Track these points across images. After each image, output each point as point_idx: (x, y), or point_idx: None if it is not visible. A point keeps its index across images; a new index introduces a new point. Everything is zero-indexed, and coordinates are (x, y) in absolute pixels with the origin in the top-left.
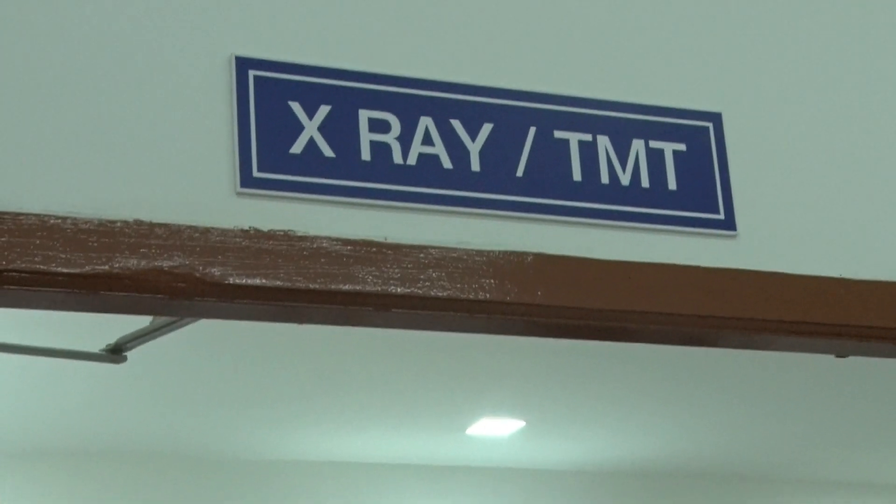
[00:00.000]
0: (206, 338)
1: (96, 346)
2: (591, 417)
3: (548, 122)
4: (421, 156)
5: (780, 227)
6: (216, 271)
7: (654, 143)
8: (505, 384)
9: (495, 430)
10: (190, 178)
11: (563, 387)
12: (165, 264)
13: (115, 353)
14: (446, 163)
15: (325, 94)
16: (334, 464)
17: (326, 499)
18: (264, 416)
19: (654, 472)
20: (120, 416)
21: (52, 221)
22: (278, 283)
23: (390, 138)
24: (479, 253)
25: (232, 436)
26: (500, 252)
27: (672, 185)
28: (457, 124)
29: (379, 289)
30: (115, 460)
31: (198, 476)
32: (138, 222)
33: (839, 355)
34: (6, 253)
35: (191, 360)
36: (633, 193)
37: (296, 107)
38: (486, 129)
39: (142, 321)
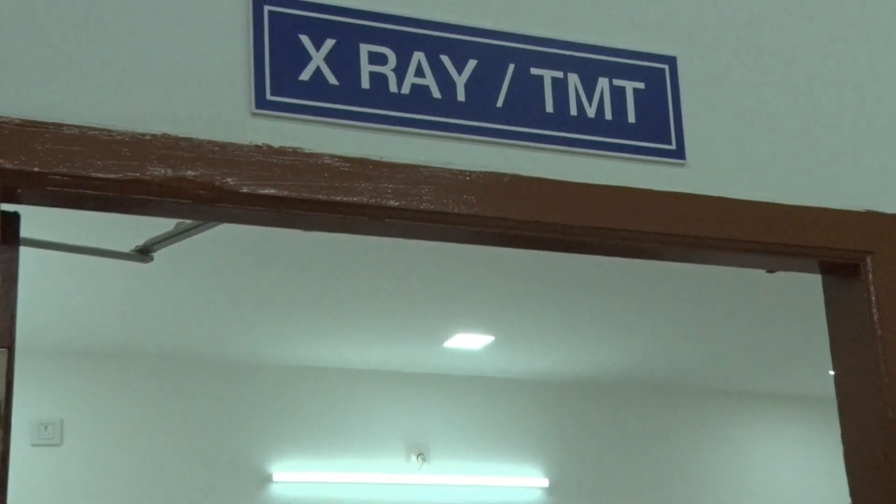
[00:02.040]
0: (220, 249)
1: (127, 247)
2: (551, 334)
3: (525, 59)
4: (414, 86)
5: (724, 157)
6: (232, 181)
7: (616, 81)
8: (477, 304)
9: (469, 343)
10: (211, 99)
11: (526, 307)
12: (189, 173)
13: (143, 253)
14: (436, 93)
15: (330, 28)
16: (329, 370)
17: (322, 400)
18: (265, 325)
19: (605, 382)
20: (139, 317)
21: (90, 132)
22: (286, 193)
23: (387, 70)
24: (462, 172)
25: (235, 341)
26: (480, 172)
27: (631, 118)
28: (446, 59)
29: (374, 201)
30: (136, 359)
31: (198, 376)
32: (165, 136)
33: (769, 270)
34: (50, 158)
35: (207, 266)
36: (597, 124)
37: (305, 39)
38: (472, 64)
39: (167, 225)
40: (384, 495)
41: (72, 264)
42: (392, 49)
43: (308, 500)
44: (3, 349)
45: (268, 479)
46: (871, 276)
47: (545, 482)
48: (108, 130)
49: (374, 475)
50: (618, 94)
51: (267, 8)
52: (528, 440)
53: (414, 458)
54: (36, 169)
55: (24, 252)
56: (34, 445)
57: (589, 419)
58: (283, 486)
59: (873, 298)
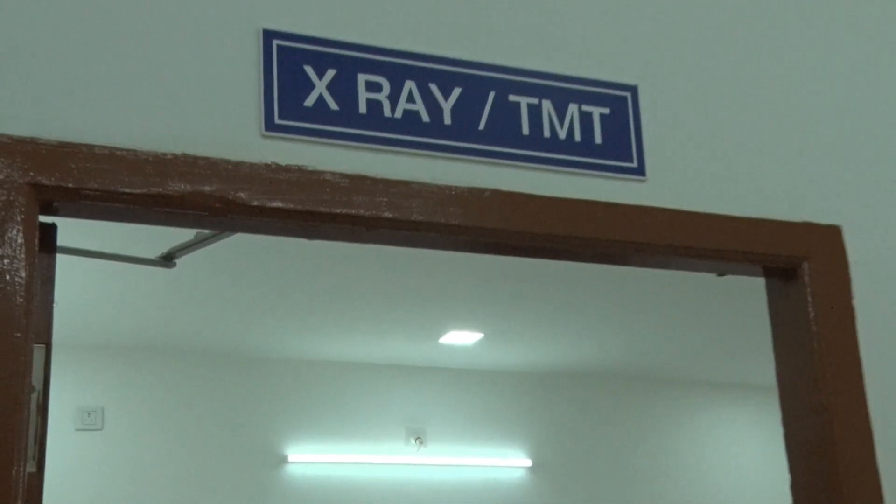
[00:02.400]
0: (237, 256)
1: (152, 254)
2: (534, 331)
3: (504, 87)
4: (405, 111)
5: (680, 173)
6: (244, 195)
7: (585, 107)
8: (468, 304)
9: (461, 340)
10: (226, 123)
11: (512, 307)
12: (206, 188)
13: (167, 259)
14: (425, 117)
15: (331, 60)
16: (337, 363)
17: (331, 390)
18: (280, 323)
19: (581, 373)
20: (168, 316)
21: (118, 152)
22: (292, 205)
23: (382, 97)
24: (448, 188)
25: (253, 338)
26: (464, 187)
27: (598, 139)
28: (434, 87)
29: (370, 213)
30: (167, 353)
31: (220, 369)
32: (185, 155)
33: (720, 274)
34: (82, 175)
35: (226, 271)
36: (567, 145)
37: (309, 69)
38: (457, 91)
39: (188, 234)
40: (386, 474)
41: (111, 269)
42: (386, 78)
43: (319, 478)
44: (42, 345)
45: (283, 460)
46: (807, 279)
47: (528, 462)
48: (134, 150)
49: (378, 457)
50: (586, 118)
51: (275, 42)
52: (513, 425)
53: (413, 441)
54: (70, 185)
55: (71, 259)
56: (78, 430)
57: (566, 406)
58: (297, 466)
59: (810, 299)
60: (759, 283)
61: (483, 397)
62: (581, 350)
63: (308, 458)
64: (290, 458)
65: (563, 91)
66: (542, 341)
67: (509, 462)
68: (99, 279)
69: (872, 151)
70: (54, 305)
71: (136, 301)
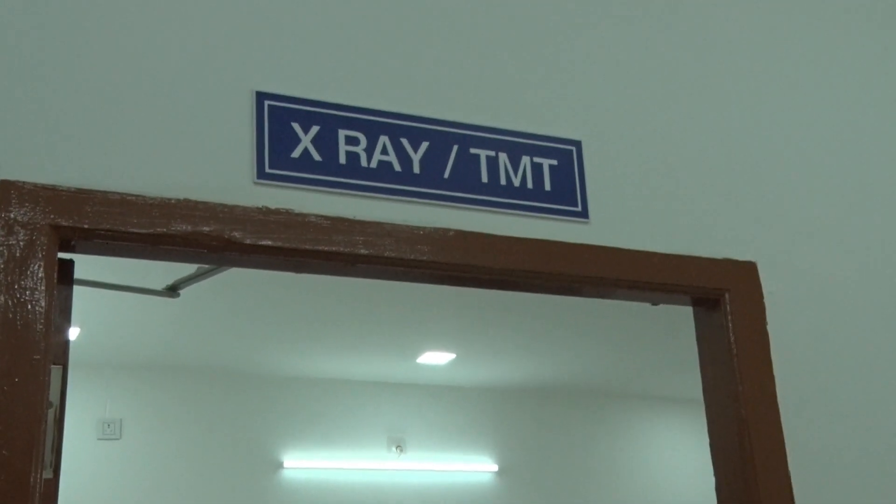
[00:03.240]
0: (233, 287)
1: (158, 286)
2: (501, 352)
3: (466, 142)
4: (380, 162)
5: (619, 217)
6: (238, 234)
7: (536, 159)
8: (441, 328)
9: (436, 360)
10: (222, 171)
11: (480, 332)
12: (205, 229)
13: (172, 290)
14: (397, 167)
15: (315, 117)
16: (327, 380)
17: (321, 403)
18: (275, 345)
19: (543, 389)
20: (177, 340)
21: (128, 197)
22: (280, 243)
23: (359, 149)
24: (417, 228)
25: (251, 358)
26: (431, 228)
27: (548, 187)
28: (405, 141)
29: (349, 250)
30: (178, 372)
31: (224, 385)
32: (187, 200)
33: (654, 303)
34: (96, 218)
35: (224, 299)
36: (521, 192)
37: (296, 126)
38: (425, 145)
39: (189, 268)
40: (371, 477)
41: (129, 298)
42: (363, 133)
43: (311, 481)
44: (59, 366)
45: (279, 465)
46: (728, 308)
47: (495, 467)
48: (142, 196)
49: (363, 462)
50: (537, 168)
51: (266, 102)
52: (482, 434)
53: (394, 448)
54: (86, 225)
55: (93, 290)
56: (99, 439)
57: (528, 418)
58: (291, 471)
59: (730, 325)
60: (688, 311)
61: (456, 410)
62: (540, 369)
63: (302, 463)
64: (286, 463)
65: (516, 145)
66: (507, 361)
67: (478, 467)
68: (118, 306)
69: (784, 198)
70: (79, 330)
71: (150, 326)
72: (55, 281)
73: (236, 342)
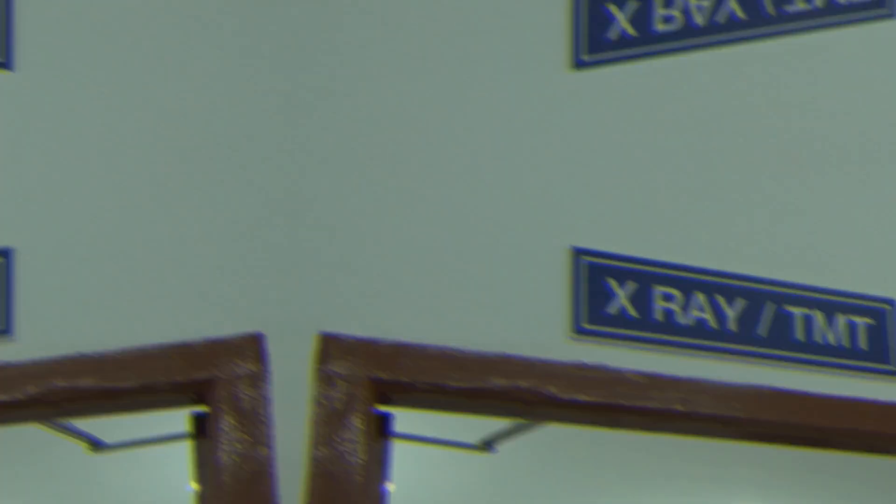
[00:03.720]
0: (547, 443)
1: (473, 440)
2: None
3: (778, 299)
4: (695, 318)
5: None
6: (554, 389)
7: (846, 317)
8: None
9: None
10: (538, 329)
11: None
12: (521, 384)
13: (487, 445)
14: (713, 324)
15: (630, 274)
16: None
17: None
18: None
19: None
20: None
21: (447, 352)
22: (595, 399)
23: (675, 305)
24: (732, 387)
25: None
26: (747, 385)
27: (862, 345)
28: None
29: (665, 407)
30: None
31: None
32: (503, 355)
33: None
34: (416, 372)
35: (542, 460)
36: (835, 350)
37: (611, 281)
38: (741, 302)
39: (503, 424)
40: None
41: (441, 454)
42: (678, 289)
43: None
44: None
45: None
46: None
47: None
48: (461, 351)
49: None
50: (850, 327)
51: (582, 258)
52: None
53: None
54: (405, 380)
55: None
56: None
57: None
58: None
59: None
60: None
61: None
62: None
63: None
64: None
65: (828, 303)
66: None
67: None
68: (431, 460)
69: None
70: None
71: (460, 487)
72: (373, 435)
73: (550, 499)
